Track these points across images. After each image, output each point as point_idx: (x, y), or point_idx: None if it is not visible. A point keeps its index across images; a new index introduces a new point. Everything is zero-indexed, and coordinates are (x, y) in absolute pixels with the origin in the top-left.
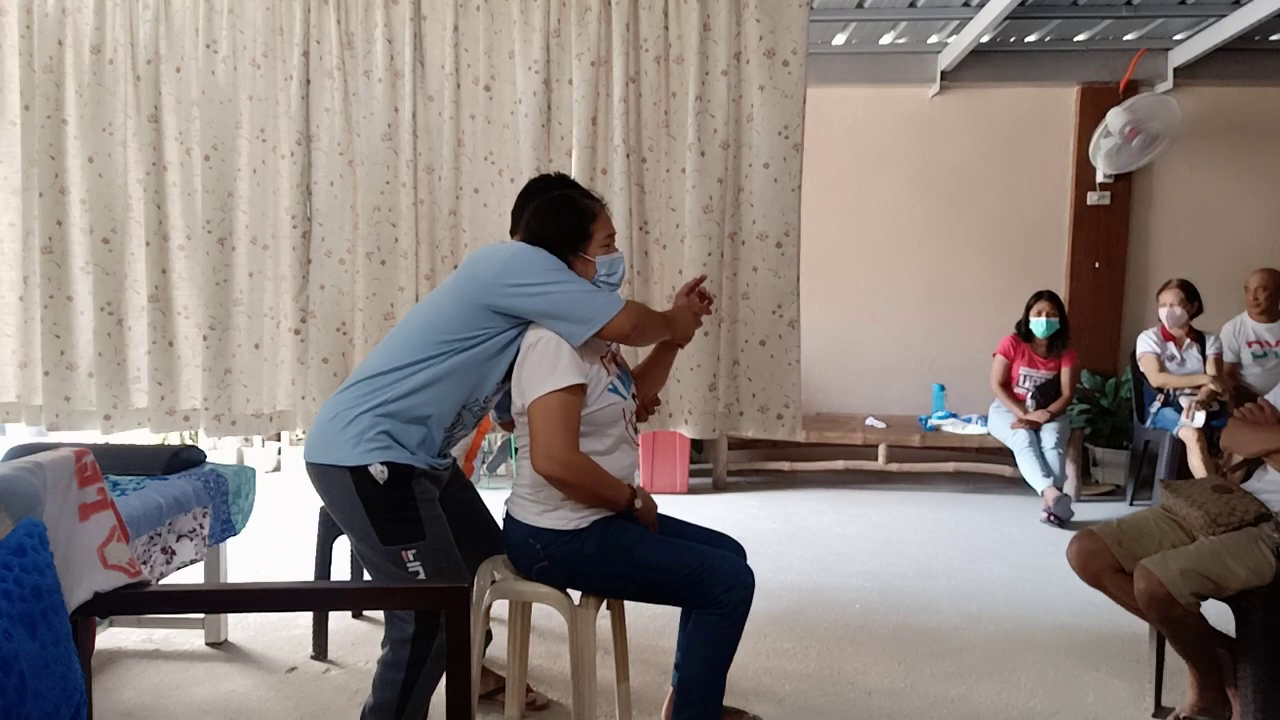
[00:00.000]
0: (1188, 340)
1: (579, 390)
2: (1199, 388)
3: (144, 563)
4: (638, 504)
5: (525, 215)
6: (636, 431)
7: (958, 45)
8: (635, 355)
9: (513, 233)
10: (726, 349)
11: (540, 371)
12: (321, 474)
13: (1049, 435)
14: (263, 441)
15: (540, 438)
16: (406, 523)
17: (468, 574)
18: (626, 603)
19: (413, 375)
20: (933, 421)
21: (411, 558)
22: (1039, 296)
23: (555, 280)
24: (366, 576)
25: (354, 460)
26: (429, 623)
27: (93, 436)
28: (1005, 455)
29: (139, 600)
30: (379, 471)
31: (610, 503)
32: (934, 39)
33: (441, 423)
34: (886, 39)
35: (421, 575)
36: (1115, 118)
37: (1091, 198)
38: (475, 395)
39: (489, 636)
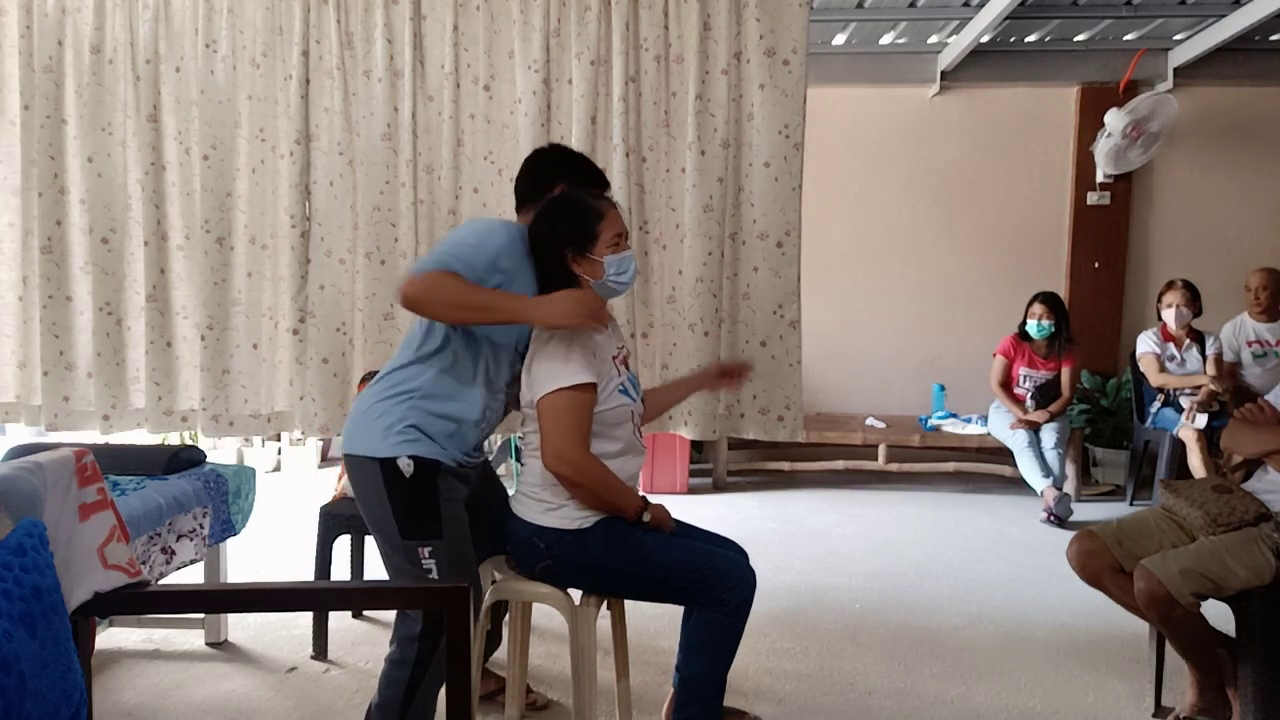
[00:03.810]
0: (1188, 340)
1: (590, 389)
2: (1199, 388)
3: (144, 563)
4: (646, 517)
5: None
6: (641, 436)
7: (958, 45)
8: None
9: (518, 209)
10: (727, 350)
11: (551, 367)
12: (353, 464)
13: (1049, 435)
14: (263, 441)
15: (549, 436)
16: (426, 519)
17: (480, 579)
18: (626, 602)
19: (429, 362)
20: (933, 421)
21: (427, 554)
22: (1035, 298)
23: (472, 229)
24: (367, 576)
25: (382, 452)
26: (436, 622)
27: (92, 436)
28: (1005, 455)
29: (139, 600)
30: (405, 465)
31: (618, 509)
32: (934, 39)
33: (471, 409)
34: (886, 39)
35: (434, 574)
36: (1117, 120)
37: (1091, 198)
38: (492, 377)
39: (498, 641)
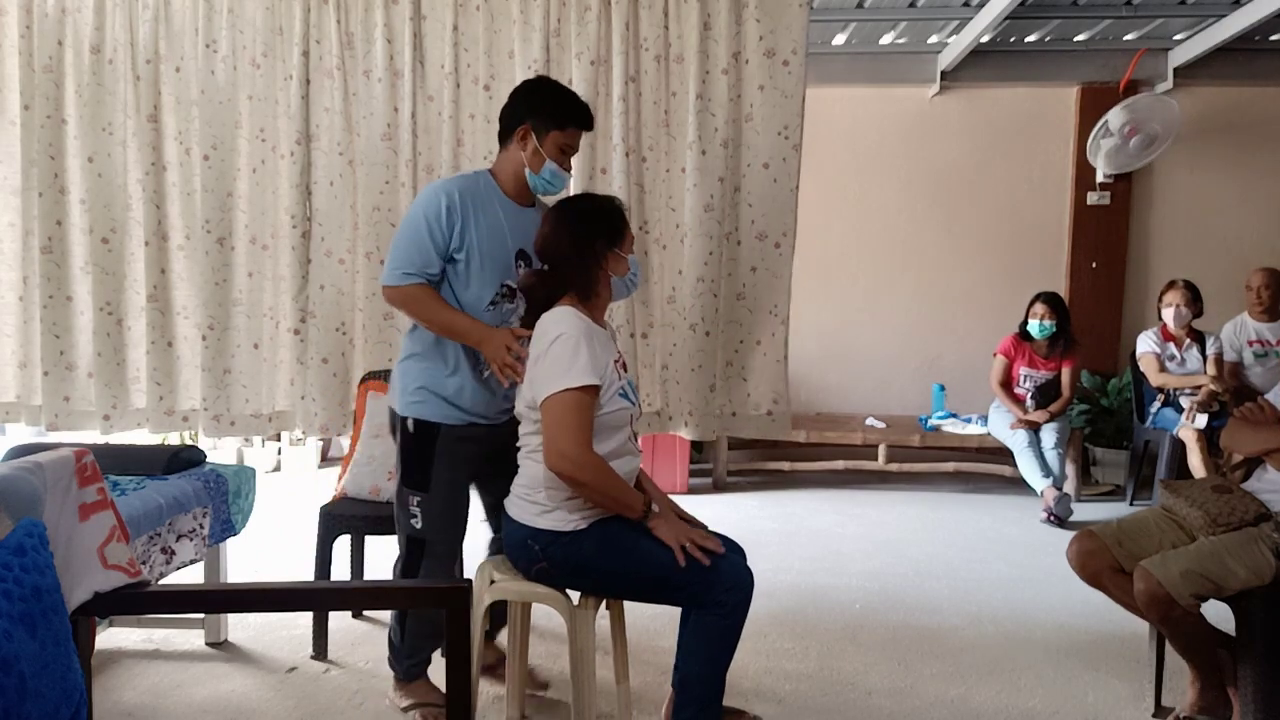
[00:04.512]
0: (1188, 340)
1: (593, 391)
2: (1199, 388)
3: (144, 563)
4: (655, 509)
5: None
6: (637, 438)
7: (958, 45)
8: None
9: (501, 138)
10: (724, 350)
11: (558, 368)
12: (390, 415)
13: (1049, 435)
14: (263, 441)
15: (553, 435)
16: (420, 473)
17: (458, 544)
18: (626, 603)
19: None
20: (933, 421)
21: (415, 504)
22: (1037, 298)
23: (409, 214)
24: (367, 576)
25: (399, 410)
26: (412, 548)
27: (92, 436)
28: (1005, 455)
29: (139, 600)
30: (410, 424)
31: (624, 506)
32: (934, 39)
33: (465, 362)
34: (886, 39)
35: (419, 524)
36: (1114, 117)
37: (1091, 198)
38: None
39: (504, 618)
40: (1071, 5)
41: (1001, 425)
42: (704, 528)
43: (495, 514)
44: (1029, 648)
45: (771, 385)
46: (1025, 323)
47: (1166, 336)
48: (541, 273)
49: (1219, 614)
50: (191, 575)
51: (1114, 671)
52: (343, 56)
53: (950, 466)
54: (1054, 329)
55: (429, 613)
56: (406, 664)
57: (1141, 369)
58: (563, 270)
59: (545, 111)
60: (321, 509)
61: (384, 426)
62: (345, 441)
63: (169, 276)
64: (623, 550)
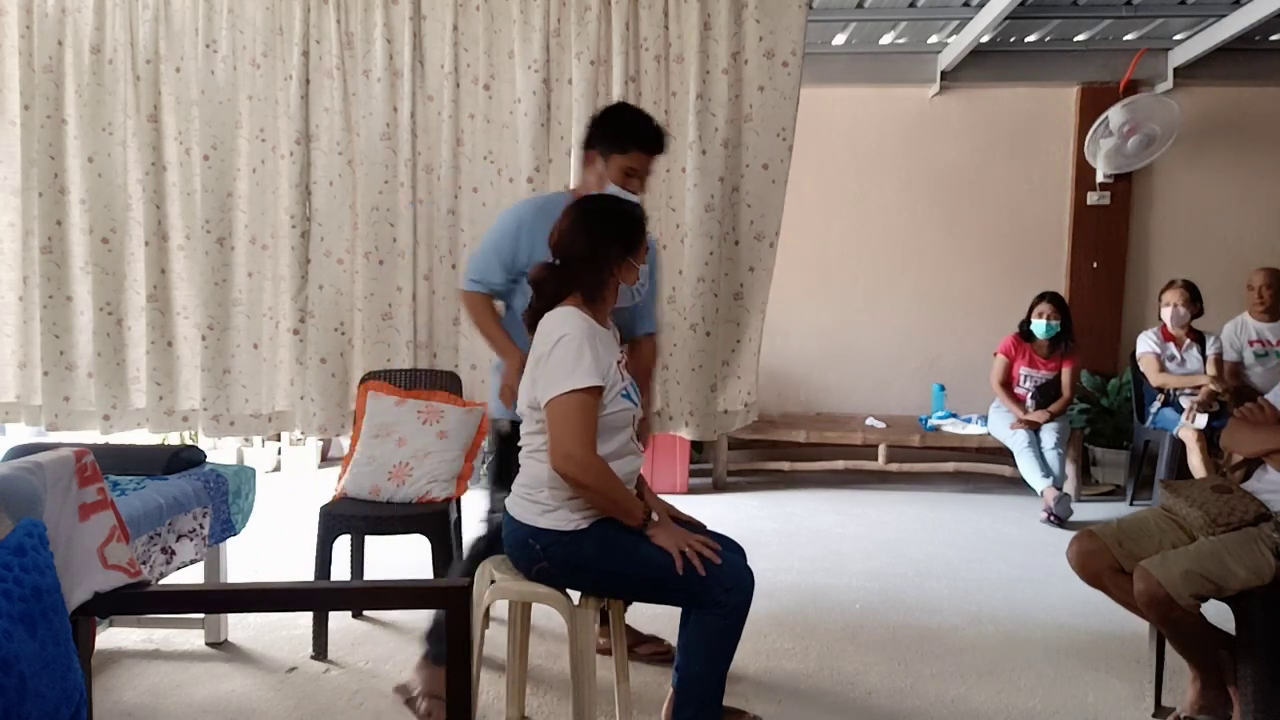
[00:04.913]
0: (1188, 340)
1: (597, 392)
2: (1199, 388)
3: (144, 563)
4: (655, 517)
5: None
6: (638, 439)
7: (958, 45)
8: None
9: (586, 149)
10: (721, 349)
11: (562, 370)
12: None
13: (1049, 435)
14: (263, 441)
15: (559, 436)
16: (506, 474)
17: None
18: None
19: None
20: (933, 421)
21: (500, 501)
22: (1041, 298)
23: (490, 228)
24: (367, 576)
25: (493, 413)
26: (491, 540)
27: (92, 436)
28: (1005, 455)
29: (139, 600)
30: (504, 426)
31: (623, 511)
32: (934, 39)
33: None
34: (886, 39)
35: (500, 517)
36: (1114, 115)
37: (1091, 198)
38: None
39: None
40: (1071, 5)
41: (1001, 425)
42: (704, 528)
43: None
44: (1029, 648)
45: (749, 377)
46: (1026, 322)
47: (1166, 336)
48: (553, 267)
49: (1219, 614)
50: (191, 575)
51: (1114, 671)
52: (342, 56)
53: (950, 466)
54: (1058, 328)
55: None
56: (442, 646)
57: (1141, 369)
58: (573, 268)
59: (607, 137)
60: (321, 509)
61: (384, 427)
62: (345, 441)
63: (169, 276)
64: (623, 551)
